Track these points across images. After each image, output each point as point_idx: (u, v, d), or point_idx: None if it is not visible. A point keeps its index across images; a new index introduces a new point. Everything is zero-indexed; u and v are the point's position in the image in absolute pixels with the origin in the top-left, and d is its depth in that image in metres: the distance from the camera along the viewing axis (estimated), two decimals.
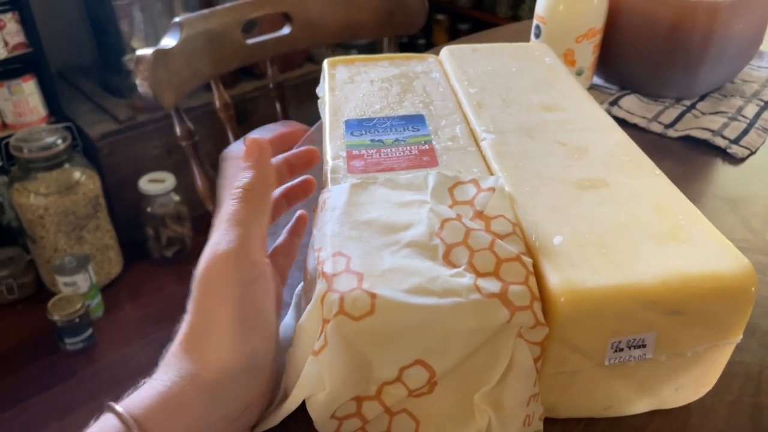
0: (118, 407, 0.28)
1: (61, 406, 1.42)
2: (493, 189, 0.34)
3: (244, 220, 0.31)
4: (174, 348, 0.30)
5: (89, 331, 1.56)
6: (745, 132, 0.64)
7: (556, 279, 0.30)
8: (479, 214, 0.33)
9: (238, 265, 0.30)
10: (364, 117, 0.45)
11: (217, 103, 0.94)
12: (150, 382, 0.29)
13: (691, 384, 0.35)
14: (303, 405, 0.32)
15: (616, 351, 0.32)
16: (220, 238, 0.31)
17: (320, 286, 0.30)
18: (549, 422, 0.34)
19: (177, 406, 0.29)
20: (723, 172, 0.60)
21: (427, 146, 0.41)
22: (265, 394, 0.32)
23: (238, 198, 0.32)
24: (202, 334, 0.30)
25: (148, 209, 1.80)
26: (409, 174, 0.37)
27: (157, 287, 1.78)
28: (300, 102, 1.82)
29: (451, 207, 0.34)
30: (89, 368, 1.53)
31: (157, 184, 1.79)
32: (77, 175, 1.63)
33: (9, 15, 1.56)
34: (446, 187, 0.35)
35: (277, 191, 0.39)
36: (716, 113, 0.68)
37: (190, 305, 0.30)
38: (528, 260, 0.31)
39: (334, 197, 0.35)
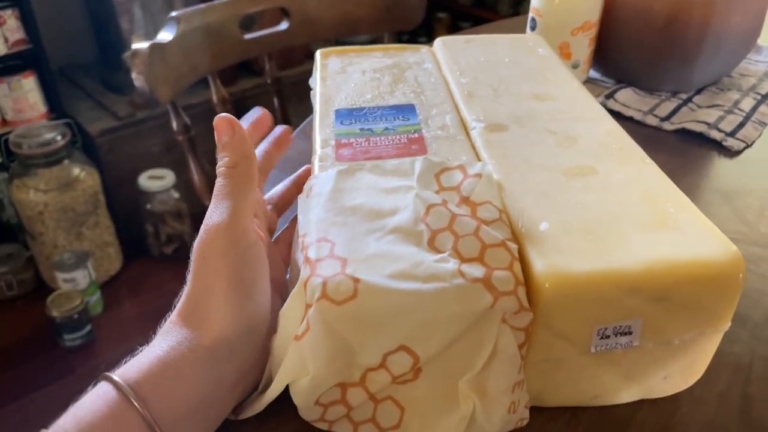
0: (114, 375, 0.28)
1: (59, 402, 1.41)
2: (479, 175, 0.34)
3: (230, 193, 0.33)
4: (172, 317, 0.31)
5: (88, 328, 1.56)
6: (741, 125, 0.64)
7: (540, 264, 0.30)
8: (465, 200, 0.33)
9: (230, 234, 0.31)
10: (354, 106, 0.44)
11: (215, 99, 0.94)
12: (148, 348, 0.30)
13: (680, 373, 0.35)
14: (287, 393, 0.32)
15: (602, 338, 0.31)
16: (211, 213, 0.32)
17: (304, 272, 0.30)
18: (535, 411, 0.34)
19: (175, 371, 0.29)
20: (718, 164, 0.60)
21: (416, 135, 0.41)
22: (260, 363, 0.33)
23: (222, 175, 0.33)
24: (200, 301, 0.31)
25: (148, 206, 1.80)
26: (396, 160, 0.36)
27: (157, 284, 1.78)
28: (300, 99, 1.81)
29: (437, 193, 0.33)
30: (88, 364, 1.53)
31: (156, 180, 1.79)
32: (77, 171, 1.63)
33: (9, 11, 1.56)
34: (433, 173, 0.35)
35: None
36: (712, 106, 0.67)
37: (189, 277, 0.32)
38: (513, 246, 0.31)
39: (320, 183, 0.35)
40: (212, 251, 0.31)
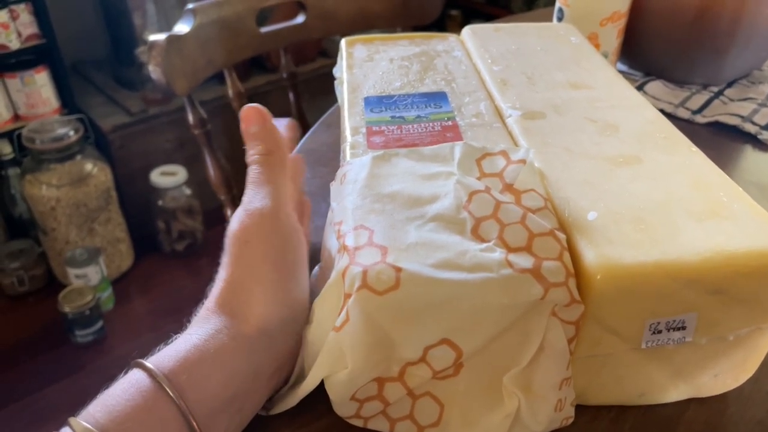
0: (147, 363, 0.27)
1: (71, 398, 1.42)
2: (523, 161, 0.33)
3: (270, 179, 0.32)
4: (209, 304, 0.30)
5: (100, 324, 1.55)
6: None
7: (591, 255, 0.28)
8: (509, 188, 0.32)
9: (274, 219, 0.31)
10: (383, 94, 0.43)
11: (231, 93, 0.93)
12: (183, 336, 0.29)
13: (731, 370, 0.33)
14: (320, 387, 0.30)
15: (654, 333, 0.30)
16: (251, 198, 0.31)
17: (342, 260, 0.29)
18: (578, 409, 0.32)
19: (212, 360, 0.28)
20: (754, 158, 0.58)
21: (450, 122, 0.39)
22: (295, 354, 0.32)
23: (258, 163, 0.33)
24: (242, 287, 0.30)
25: (160, 202, 1.79)
26: (434, 145, 0.35)
27: (168, 281, 1.77)
28: (312, 96, 1.80)
29: (478, 179, 0.32)
30: (99, 361, 1.52)
31: (168, 177, 1.78)
32: (89, 167, 1.62)
33: (22, 6, 1.55)
34: (474, 159, 0.33)
35: None
36: (745, 99, 0.66)
37: (226, 262, 0.30)
38: (562, 235, 0.29)
39: (354, 170, 0.34)
40: (255, 235, 0.30)
